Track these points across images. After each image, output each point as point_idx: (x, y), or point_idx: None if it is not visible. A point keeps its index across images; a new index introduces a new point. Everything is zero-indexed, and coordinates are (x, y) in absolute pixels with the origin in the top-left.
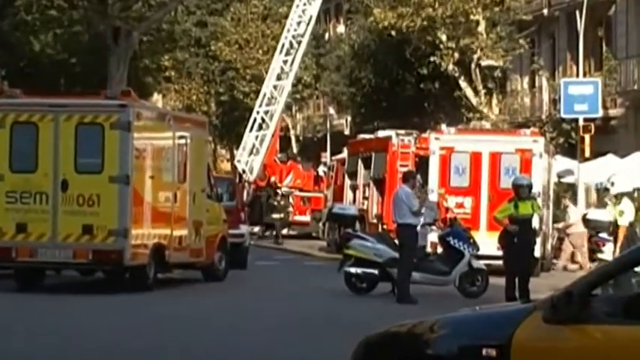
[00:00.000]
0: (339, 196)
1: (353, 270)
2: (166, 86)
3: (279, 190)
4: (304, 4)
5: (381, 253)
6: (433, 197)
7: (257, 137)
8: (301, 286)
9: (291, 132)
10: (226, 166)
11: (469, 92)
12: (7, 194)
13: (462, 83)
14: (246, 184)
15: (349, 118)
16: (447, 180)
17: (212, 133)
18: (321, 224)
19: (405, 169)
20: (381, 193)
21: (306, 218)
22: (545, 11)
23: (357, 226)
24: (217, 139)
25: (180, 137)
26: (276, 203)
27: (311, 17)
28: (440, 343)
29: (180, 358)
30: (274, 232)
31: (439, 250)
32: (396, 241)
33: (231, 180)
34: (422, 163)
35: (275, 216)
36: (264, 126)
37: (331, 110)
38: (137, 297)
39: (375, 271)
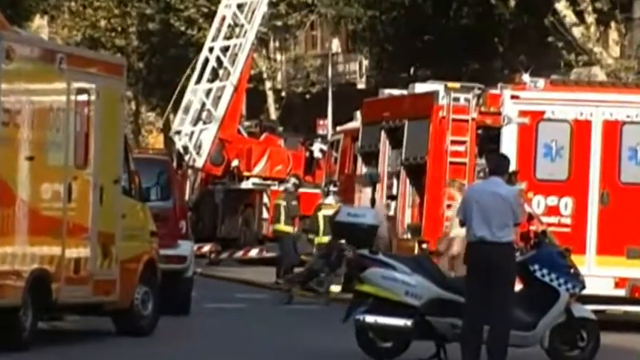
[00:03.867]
0: (347, 194)
1: (370, 319)
2: (56, 4)
3: (292, 181)
4: None
5: (418, 292)
6: None
7: (209, 92)
8: (283, 348)
9: (268, 84)
10: (157, 140)
11: (569, 17)
12: None
13: (558, 4)
14: (191, 172)
15: (366, 62)
16: (530, 167)
17: (133, 86)
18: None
19: (493, 153)
20: (419, 189)
21: (290, 229)
22: None
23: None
24: (141, 94)
25: (80, 91)
26: (284, 203)
27: None
28: None
29: None
30: (278, 266)
31: (517, 285)
32: (443, 271)
33: (165, 164)
34: (488, 140)
35: (284, 228)
36: (221, 73)
37: (336, 47)
38: None
39: (408, 322)
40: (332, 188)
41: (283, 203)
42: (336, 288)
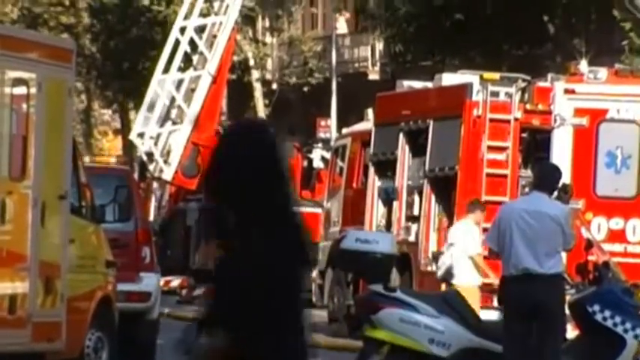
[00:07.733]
0: (355, 213)
1: None
2: None
3: None
4: None
5: (447, 339)
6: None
7: (180, 84)
8: None
9: (255, 74)
10: (114, 144)
11: None
12: None
13: None
14: (157, 186)
15: (380, 46)
16: (589, 181)
17: (84, 75)
18: (316, 273)
19: (541, 162)
20: (448, 209)
21: None
22: None
23: (395, 277)
24: (95, 86)
25: (17, 83)
26: None
27: None
28: None
29: None
30: None
31: (572, 331)
32: (479, 313)
33: (124, 176)
34: (535, 145)
35: None
36: (195, 60)
37: (340, 27)
38: None
39: None
40: None
41: None
42: None
